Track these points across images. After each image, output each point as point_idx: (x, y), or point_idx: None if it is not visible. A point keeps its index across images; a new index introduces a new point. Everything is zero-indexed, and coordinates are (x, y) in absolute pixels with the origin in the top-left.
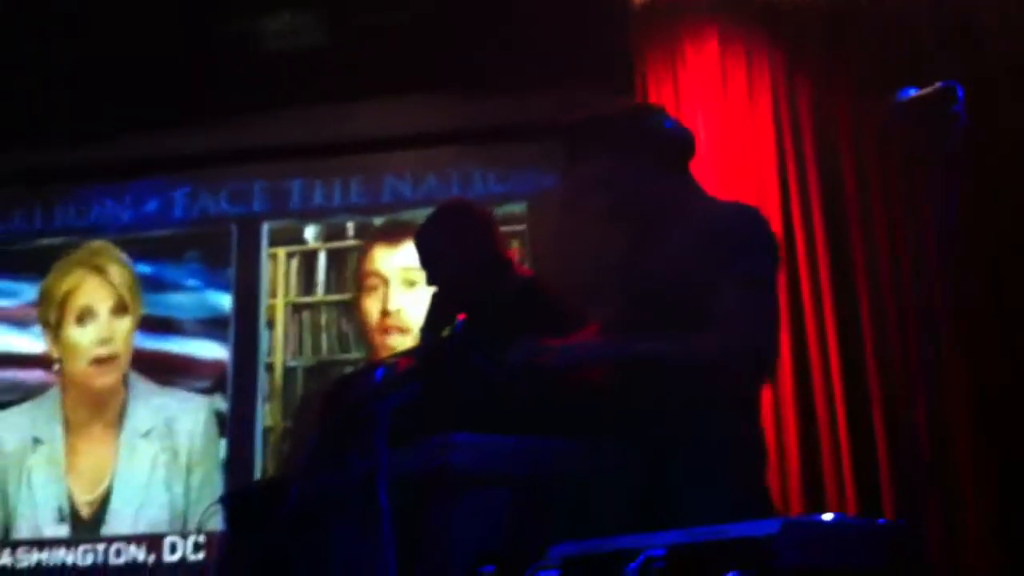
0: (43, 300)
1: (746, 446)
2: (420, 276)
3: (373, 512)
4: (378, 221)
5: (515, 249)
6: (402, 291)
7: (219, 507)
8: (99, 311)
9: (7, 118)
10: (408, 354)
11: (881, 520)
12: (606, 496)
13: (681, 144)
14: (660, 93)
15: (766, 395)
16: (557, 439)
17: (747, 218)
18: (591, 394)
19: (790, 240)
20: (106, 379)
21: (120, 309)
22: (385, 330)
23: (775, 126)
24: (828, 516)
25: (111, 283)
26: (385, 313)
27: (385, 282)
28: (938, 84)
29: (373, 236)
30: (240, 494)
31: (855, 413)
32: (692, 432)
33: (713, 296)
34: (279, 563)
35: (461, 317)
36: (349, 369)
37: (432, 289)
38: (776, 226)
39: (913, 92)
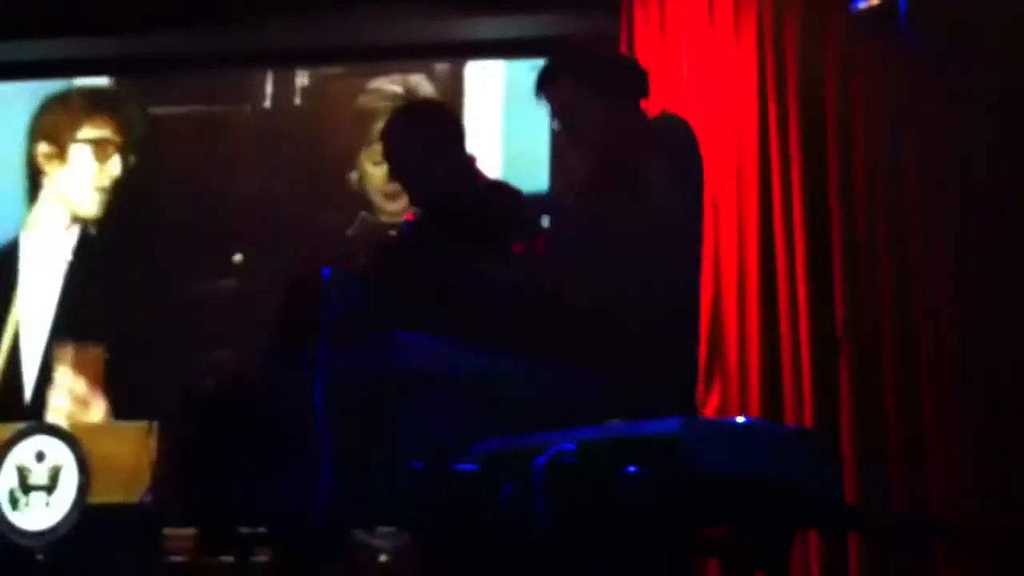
0: None
1: (687, 370)
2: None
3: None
4: None
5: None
6: None
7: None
8: None
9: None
10: (357, 253)
11: (792, 426)
12: (551, 410)
13: (638, 76)
14: (647, 19)
15: (731, 318)
16: (506, 352)
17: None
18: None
19: (766, 175)
20: None
21: None
22: None
23: (759, 59)
24: (738, 419)
25: None
26: None
27: None
28: None
29: None
30: (194, 396)
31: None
32: (636, 358)
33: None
34: (236, 464)
35: (409, 217)
36: None
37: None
38: (753, 159)
39: (862, 4)
